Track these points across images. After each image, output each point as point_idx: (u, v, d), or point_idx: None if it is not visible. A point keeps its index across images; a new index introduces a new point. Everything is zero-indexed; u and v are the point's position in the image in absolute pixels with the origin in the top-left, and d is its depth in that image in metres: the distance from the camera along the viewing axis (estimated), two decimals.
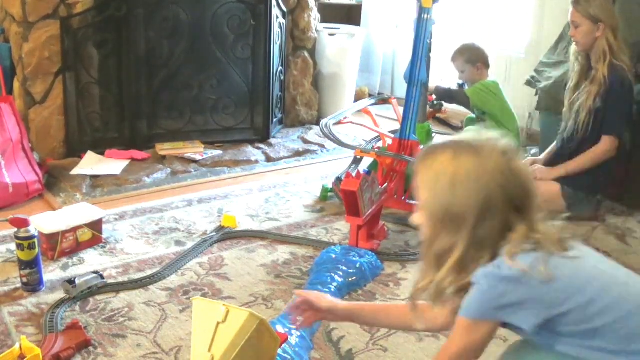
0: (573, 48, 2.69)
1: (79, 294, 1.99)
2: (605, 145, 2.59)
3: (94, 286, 2.03)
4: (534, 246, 1.18)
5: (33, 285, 2.02)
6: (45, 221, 2.26)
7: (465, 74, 3.35)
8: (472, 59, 3.32)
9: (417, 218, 1.28)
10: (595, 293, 1.17)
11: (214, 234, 2.47)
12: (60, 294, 2.00)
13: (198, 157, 3.34)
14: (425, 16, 2.72)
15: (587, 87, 2.59)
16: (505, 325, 1.23)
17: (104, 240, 2.39)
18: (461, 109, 3.70)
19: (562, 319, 1.16)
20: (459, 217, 1.19)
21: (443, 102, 3.47)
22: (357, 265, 2.13)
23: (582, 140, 2.63)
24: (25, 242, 1.98)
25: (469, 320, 1.20)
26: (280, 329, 1.70)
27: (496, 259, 1.18)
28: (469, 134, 1.28)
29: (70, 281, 2.00)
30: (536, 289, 1.15)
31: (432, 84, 3.37)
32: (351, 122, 3.80)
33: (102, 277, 2.07)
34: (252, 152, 3.50)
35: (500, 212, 1.19)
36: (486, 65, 3.35)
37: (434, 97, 3.41)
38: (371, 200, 2.33)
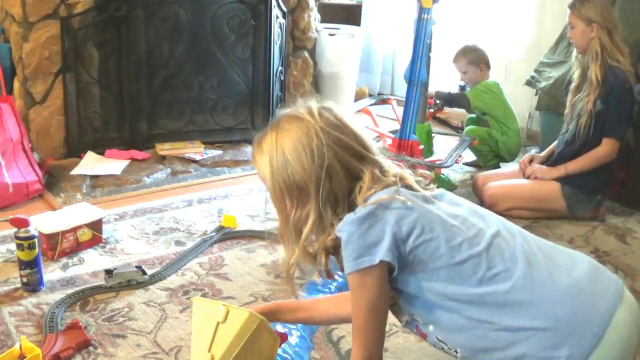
0: (575, 50, 2.70)
1: (116, 284, 2.03)
2: (606, 148, 2.59)
3: (133, 280, 2.07)
4: (386, 183, 1.23)
5: (33, 285, 2.02)
6: (45, 221, 2.26)
7: (467, 74, 3.34)
8: (475, 60, 3.32)
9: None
10: (447, 232, 1.21)
11: (214, 234, 2.47)
12: (60, 294, 2.00)
13: (198, 157, 3.34)
14: (425, 16, 2.72)
15: (586, 89, 2.60)
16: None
17: (104, 240, 2.39)
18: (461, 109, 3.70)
19: (420, 254, 1.20)
20: (302, 187, 1.24)
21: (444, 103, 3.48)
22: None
23: (584, 143, 2.63)
24: (25, 242, 1.98)
25: (355, 274, 1.22)
26: (280, 329, 1.70)
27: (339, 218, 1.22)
28: (286, 109, 1.32)
29: (109, 271, 2.05)
30: (387, 220, 1.19)
31: (432, 88, 3.37)
32: None
33: (144, 272, 2.10)
34: None
35: (340, 168, 1.23)
36: (488, 66, 3.35)
37: (434, 101, 3.41)
38: None
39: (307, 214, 1.25)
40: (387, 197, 1.21)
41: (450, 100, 3.45)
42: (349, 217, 1.21)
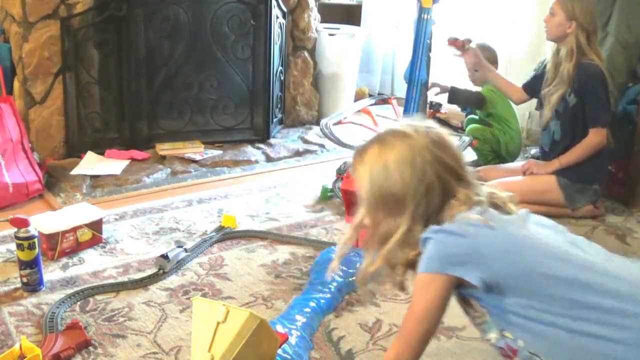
0: (554, 46, 2.71)
1: (172, 268, 2.13)
2: (594, 138, 2.62)
3: (182, 260, 2.17)
4: (476, 203, 1.26)
5: (33, 285, 2.02)
6: (45, 221, 2.26)
7: (479, 72, 3.33)
8: (491, 59, 3.31)
9: (360, 215, 1.34)
10: (531, 256, 1.21)
11: (214, 234, 2.47)
12: (60, 294, 2.00)
13: (198, 157, 3.34)
14: (425, 16, 2.73)
15: (557, 84, 2.64)
16: (464, 297, 1.27)
17: (104, 240, 2.39)
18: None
19: (504, 277, 1.20)
20: (399, 199, 1.27)
21: (442, 103, 3.46)
22: (357, 265, 2.12)
23: (572, 138, 2.67)
24: (25, 242, 1.98)
25: (426, 275, 1.24)
26: (280, 329, 1.71)
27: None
28: (390, 124, 1.36)
29: (165, 256, 2.13)
30: (476, 241, 1.21)
31: (448, 84, 3.35)
32: (351, 122, 3.81)
33: (186, 250, 2.23)
34: (252, 152, 3.50)
35: (438, 186, 1.26)
36: (497, 67, 3.35)
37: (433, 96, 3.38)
38: None
39: (397, 226, 1.28)
40: (474, 217, 1.23)
41: (465, 97, 3.39)
42: (437, 228, 1.23)
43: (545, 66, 2.79)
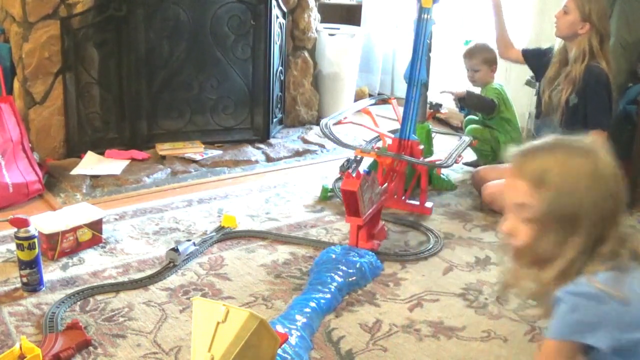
0: (561, 42, 2.70)
1: (182, 261, 2.18)
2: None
3: (191, 254, 2.24)
4: (618, 262, 1.16)
5: (33, 285, 2.02)
6: (45, 221, 2.26)
7: (479, 73, 3.32)
8: (490, 59, 3.31)
9: (509, 222, 1.22)
10: None
11: (214, 234, 2.47)
12: (60, 294, 2.00)
13: (198, 157, 3.35)
14: (425, 16, 2.72)
15: (561, 84, 2.62)
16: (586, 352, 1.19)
17: (104, 240, 2.39)
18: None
19: (632, 345, 1.14)
20: (573, 222, 1.15)
21: (442, 103, 3.44)
22: (357, 265, 2.13)
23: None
24: (25, 242, 1.98)
25: (556, 343, 1.17)
26: (280, 329, 1.71)
27: (579, 276, 1.15)
28: (568, 136, 1.23)
29: (175, 249, 2.18)
30: (612, 308, 1.13)
31: (463, 88, 3.34)
32: (351, 122, 3.80)
33: (194, 244, 2.28)
34: (252, 152, 3.50)
35: (599, 226, 1.16)
36: (496, 68, 3.35)
37: (458, 103, 3.35)
38: (371, 200, 2.33)
39: (559, 253, 1.17)
40: (605, 288, 1.13)
41: (477, 102, 3.37)
42: (572, 289, 1.15)
43: (552, 57, 2.77)
